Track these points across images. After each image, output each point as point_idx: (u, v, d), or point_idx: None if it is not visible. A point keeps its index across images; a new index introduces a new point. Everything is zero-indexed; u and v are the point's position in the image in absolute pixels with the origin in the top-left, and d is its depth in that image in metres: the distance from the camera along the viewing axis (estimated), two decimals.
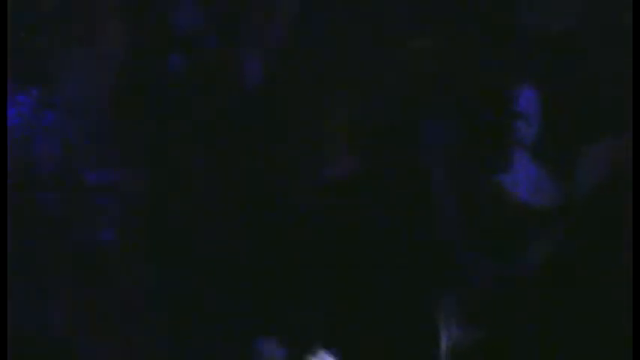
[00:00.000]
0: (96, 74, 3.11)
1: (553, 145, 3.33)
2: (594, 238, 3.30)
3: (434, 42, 3.22)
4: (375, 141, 3.28)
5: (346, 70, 3.27)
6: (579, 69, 3.33)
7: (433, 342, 3.19)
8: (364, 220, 3.24)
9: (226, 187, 3.20)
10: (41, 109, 3.14)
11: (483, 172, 3.33)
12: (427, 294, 3.24)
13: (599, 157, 3.33)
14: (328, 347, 3.20)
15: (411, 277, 3.25)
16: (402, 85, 3.25)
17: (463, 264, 3.27)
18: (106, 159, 3.17)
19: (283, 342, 3.20)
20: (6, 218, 3.27)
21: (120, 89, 3.16)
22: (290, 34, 3.28)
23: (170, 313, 3.22)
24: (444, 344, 3.21)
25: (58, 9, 3.14)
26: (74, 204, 3.18)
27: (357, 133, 3.27)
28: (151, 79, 3.18)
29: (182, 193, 3.20)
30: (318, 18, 3.31)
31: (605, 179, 3.32)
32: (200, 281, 3.23)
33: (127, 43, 3.14)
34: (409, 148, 3.28)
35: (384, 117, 3.29)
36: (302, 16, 3.28)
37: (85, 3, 3.15)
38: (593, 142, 3.33)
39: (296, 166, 3.24)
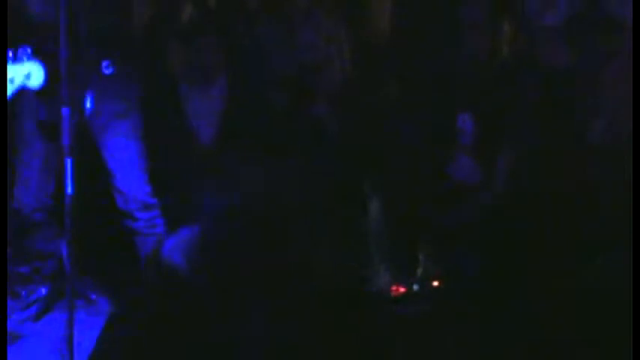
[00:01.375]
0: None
1: (481, 148, 5.81)
2: (505, 199, 5.70)
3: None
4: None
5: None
6: (496, 103, 5.81)
7: None
8: None
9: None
10: None
11: (441, 163, 5.85)
12: None
13: (508, 157, 5.76)
14: None
15: None
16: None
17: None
18: None
19: None
20: (6, 218, 3.79)
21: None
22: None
23: None
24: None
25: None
26: None
27: None
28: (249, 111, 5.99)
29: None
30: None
31: (511, 170, 5.73)
32: None
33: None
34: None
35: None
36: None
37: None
38: (505, 148, 5.77)
39: None
